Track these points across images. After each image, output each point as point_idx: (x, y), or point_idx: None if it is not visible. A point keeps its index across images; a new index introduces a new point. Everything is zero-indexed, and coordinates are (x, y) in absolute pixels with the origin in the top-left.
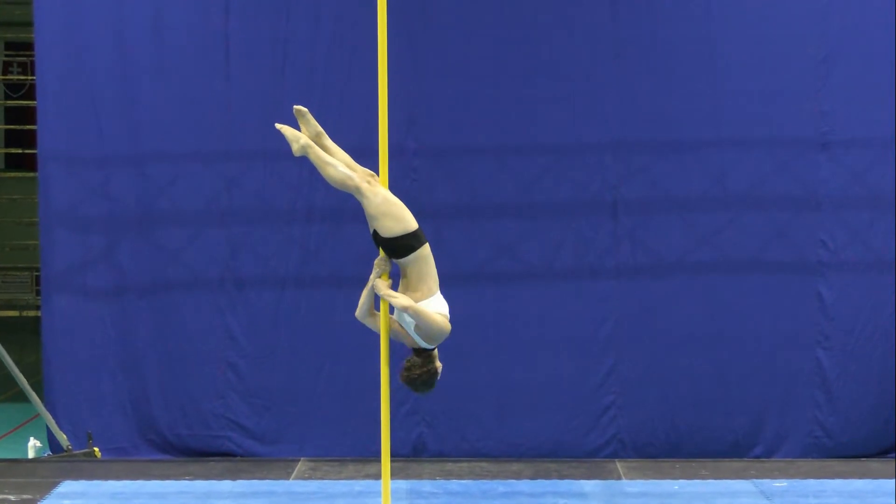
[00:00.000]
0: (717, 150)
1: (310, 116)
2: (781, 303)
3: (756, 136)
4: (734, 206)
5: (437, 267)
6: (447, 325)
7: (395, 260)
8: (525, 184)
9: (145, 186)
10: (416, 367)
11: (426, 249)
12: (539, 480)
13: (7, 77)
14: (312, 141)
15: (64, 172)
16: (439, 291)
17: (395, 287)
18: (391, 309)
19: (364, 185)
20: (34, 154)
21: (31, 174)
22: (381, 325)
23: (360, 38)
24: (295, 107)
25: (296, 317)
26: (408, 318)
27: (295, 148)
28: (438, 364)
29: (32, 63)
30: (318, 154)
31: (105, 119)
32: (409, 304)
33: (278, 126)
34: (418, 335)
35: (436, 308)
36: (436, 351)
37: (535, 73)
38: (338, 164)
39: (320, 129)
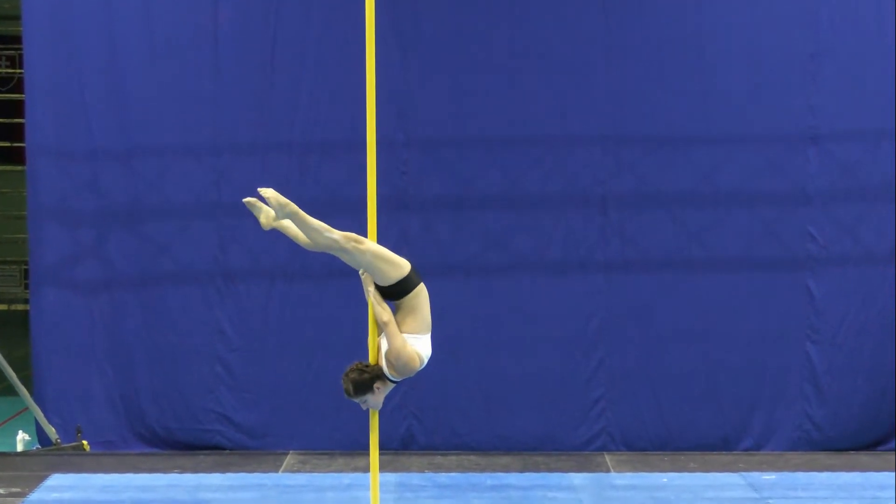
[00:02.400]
0: (707, 145)
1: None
2: (771, 297)
3: (746, 131)
4: (723, 201)
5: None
6: (416, 362)
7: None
8: (515, 176)
9: (134, 180)
10: (357, 371)
11: (419, 289)
12: (528, 473)
13: None
14: (280, 220)
15: (52, 166)
16: (428, 336)
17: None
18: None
19: (350, 245)
20: (22, 147)
21: (20, 168)
22: (370, 321)
23: (349, 30)
24: (260, 191)
25: (285, 310)
26: (384, 342)
27: (279, 215)
28: (379, 390)
29: (20, 56)
30: (304, 218)
31: (93, 112)
32: (390, 320)
33: (262, 190)
34: (386, 361)
35: (415, 344)
36: (388, 387)
37: (525, 66)
38: (323, 228)
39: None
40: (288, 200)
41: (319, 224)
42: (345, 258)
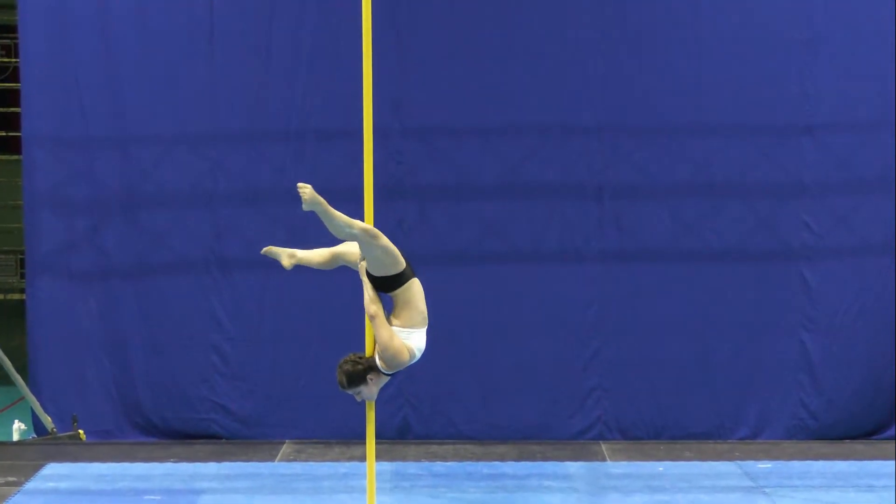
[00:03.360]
0: (702, 134)
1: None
2: (766, 286)
3: (741, 120)
4: (719, 191)
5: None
6: (404, 356)
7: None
8: (510, 165)
9: (130, 169)
10: (350, 363)
11: (411, 283)
12: (524, 462)
13: None
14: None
15: (48, 155)
16: (423, 329)
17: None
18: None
19: (367, 238)
20: (18, 137)
21: (16, 157)
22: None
23: (344, 19)
24: (299, 186)
25: (281, 299)
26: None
27: (307, 207)
28: (372, 382)
29: (16, 46)
30: (332, 214)
31: (89, 101)
32: (377, 313)
33: (300, 186)
34: (377, 353)
35: (406, 338)
36: (381, 379)
37: (520, 55)
38: (346, 223)
39: (291, 250)
40: (321, 198)
41: (344, 219)
42: (349, 259)
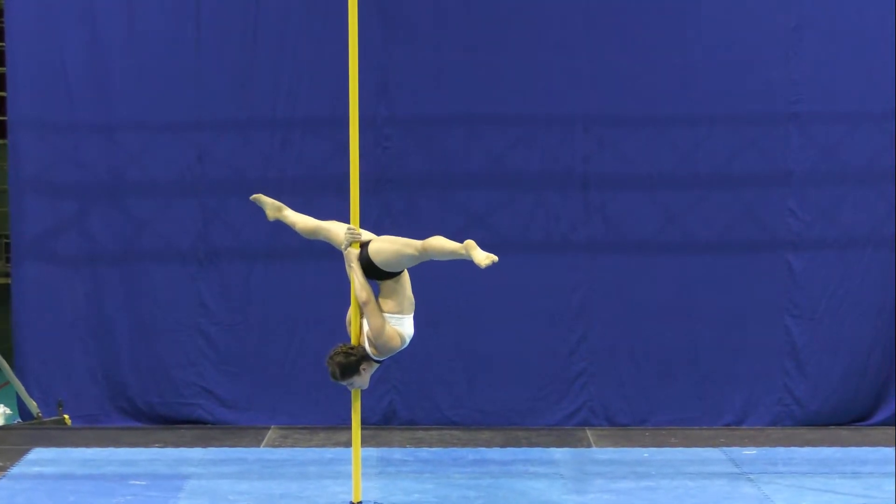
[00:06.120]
0: (687, 123)
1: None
2: (751, 272)
3: (727, 108)
4: (704, 180)
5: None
6: (396, 342)
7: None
8: (496, 154)
9: (116, 154)
10: (342, 355)
11: (403, 271)
12: (509, 448)
13: None
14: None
15: (34, 139)
16: (410, 316)
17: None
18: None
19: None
20: (4, 121)
21: (1, 141)
22: (353, 299)
23: (331, 5)
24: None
25: (267, 285)
26: (366, 322)
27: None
28: (365, 371)
29: (2, 29)
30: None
31: (75, 86)
32: (368, 300)
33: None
34: (368, 341)
35: (395, 324)
36: (373, 367)
37: (506, 44)
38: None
39: (280, 204)
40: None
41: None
42: (332, 238)
